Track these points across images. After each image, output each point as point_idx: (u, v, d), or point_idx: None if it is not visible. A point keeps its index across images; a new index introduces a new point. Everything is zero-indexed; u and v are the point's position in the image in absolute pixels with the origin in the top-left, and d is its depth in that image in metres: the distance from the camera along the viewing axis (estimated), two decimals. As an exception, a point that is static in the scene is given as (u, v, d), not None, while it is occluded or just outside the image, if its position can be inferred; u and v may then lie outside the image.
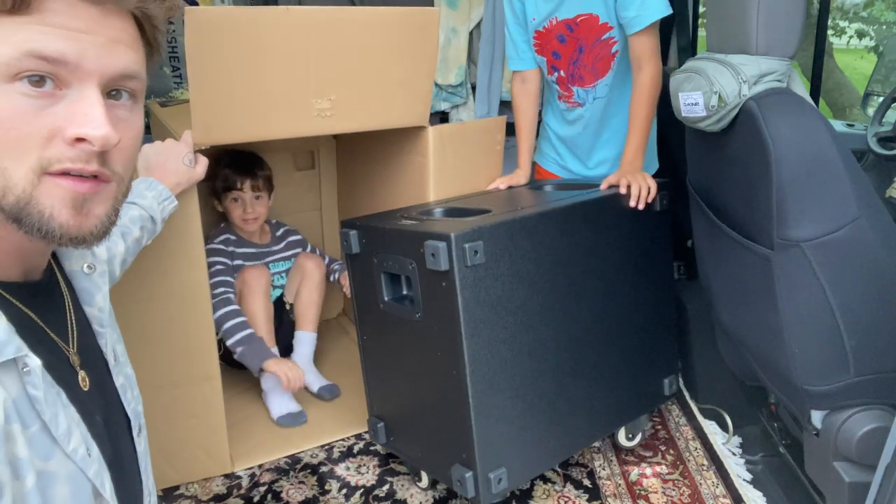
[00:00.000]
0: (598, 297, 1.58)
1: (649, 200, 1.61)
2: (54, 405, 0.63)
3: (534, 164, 2.08)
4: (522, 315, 1.43)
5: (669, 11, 1.68)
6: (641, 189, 1.61)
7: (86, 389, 0.70)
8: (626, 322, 1.67)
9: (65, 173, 0.58)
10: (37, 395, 0.61)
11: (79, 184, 0.59)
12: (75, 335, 0.72)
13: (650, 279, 1.72)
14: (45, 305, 0.68)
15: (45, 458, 0.61)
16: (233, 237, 2.08)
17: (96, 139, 0.58)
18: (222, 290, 1.91)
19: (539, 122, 2.06)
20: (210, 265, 1.93)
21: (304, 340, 2.11)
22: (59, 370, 0.66)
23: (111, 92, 0.61)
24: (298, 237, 2.26)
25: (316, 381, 2.06)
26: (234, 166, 2.02)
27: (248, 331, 1.86)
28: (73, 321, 0.73)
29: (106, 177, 0.62)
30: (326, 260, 2.27)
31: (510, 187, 1.90)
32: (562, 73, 1.84)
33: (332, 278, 2.24)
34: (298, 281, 2.14)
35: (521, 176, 1.93)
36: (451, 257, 1.30)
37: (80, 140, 0.58)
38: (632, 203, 1.60)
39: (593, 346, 1.60)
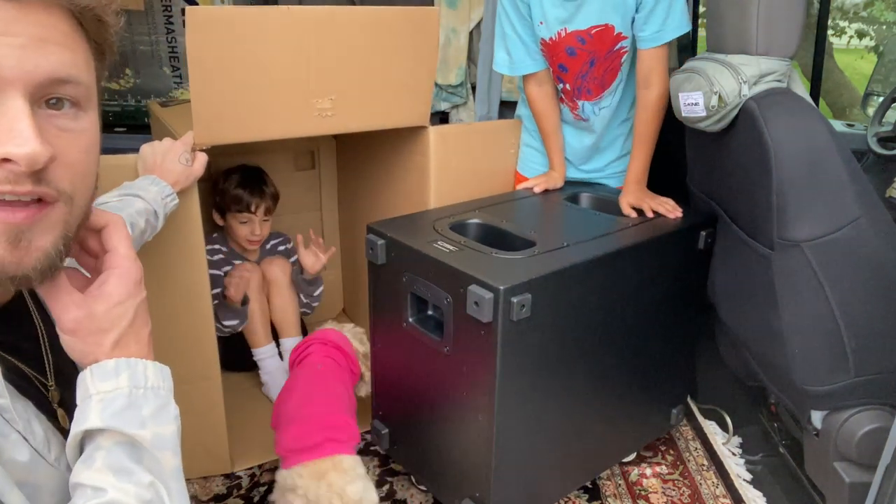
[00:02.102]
0: (629, 335, 1.53)
1: (679, 214, 1.60)
2: (25, 413, 0.59)
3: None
4: (557, 363, 1.38)
5: (690, 28, 1.61)
6: (666, 206, 1.61)
7: (68, 428, 0.63)
8: (651, 357, 1.63)
9: None
10: (3, 404, 0.57)
11: (12, 213, 0.51)
12: (51, 365, 0.66)
13: (680, 315, 1.67)
14: (7, 333, 0.63)
15: (29, 471, 0.58)
16: (224, 249, 2.07)
17: (21, 158, 0.49)
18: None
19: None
20: (210, 253, 1.96)
21: (291, 348, 2.02)
22: (24, 388, 0.61)
23: (50, 101, 0.53)
24: (288, 246, 2.22)
25: None
26: (245, 186, 1.98)
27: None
28: (49, 350, 0.66)
29: (50, 197, 0.54)
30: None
31: (546, 191, 1.81)
32: (567, 86, 1.75)
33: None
34: (266, 289, 2.07)
35: (556, 178, 1.83)
36: (497, 311, 1.19)
37: (5, 160, 0.50)
38: (669, 216, 1.59)
39: (616, 381, 1.57)
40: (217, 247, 2.06)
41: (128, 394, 0.60)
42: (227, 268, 2.04)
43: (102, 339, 0.61)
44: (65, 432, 0.64)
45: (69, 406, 0.64)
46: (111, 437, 0.58)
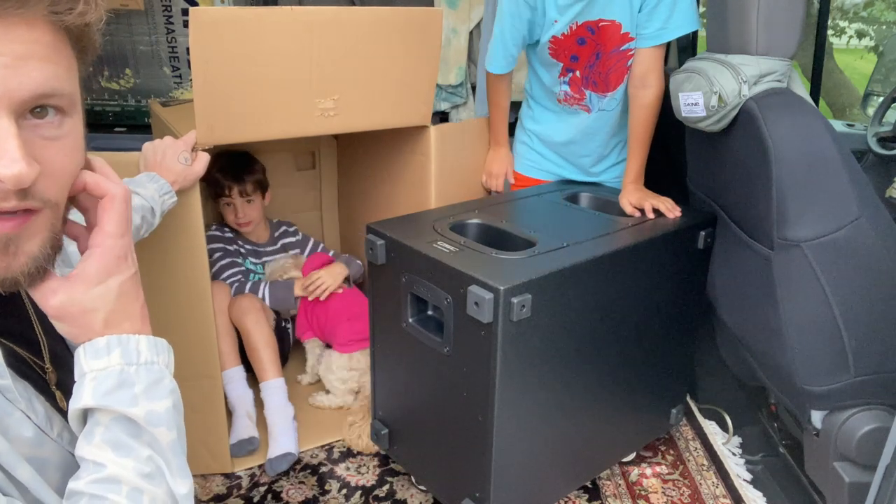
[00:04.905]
0: (629, 335, 1.53)
1: (678, 214, 1.60)
2: (26, 392, 0.61)
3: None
4: (557, 363, 1.37)
5: (697, 27, 1.59)
6: (666, 204, 1.62)
7: (65, 409, 0.65)
8: (650, 357, 1.63)
9: None
10: (5, 385, 0.58)
11: (1, 224, 0.52)
12: (46, 348, 0.67)
13: (680, 314, 1.66)
14: (2, 317, 0.64)
15: (35, 446, 0.60)
16: (230, 233, 2.11)
17: (8, 178, 0.50)
18: (228, 273, 1.99)
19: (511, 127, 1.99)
20: (211, 252, 1.99)
21: (274, 390, 1.87)
22: (23, 370, 0.63)
23: (35, 109, 0.53)
24: (295, 238, 2.26)
25: (285, 444, 1.77)
26: (223, 171, 2.01)
27: (265, 285, 2.00)
28: (42, 332, 0.68)
29: (35, 208, 0.54)
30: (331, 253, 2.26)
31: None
32: (577, 73, 1.74)
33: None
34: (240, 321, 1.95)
35: (505, 153, 1.90)
36: (497, 311, 1.19)
37: None
38: (668, 215, 1.60)
39: (616, 382, 1.57)
40: (225, 228, 2.10)
41: (119, 371, 0.60)
42: (235, 247, 2.11)
43: (90, 320, 0.61)
44: (63, 413, 0.65)
45: (66, 387, 0.65)
46: (107, 413, 0.60)
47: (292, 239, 2.24)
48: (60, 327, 0.62)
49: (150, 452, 0.60)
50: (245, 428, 1.80)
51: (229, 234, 2.10)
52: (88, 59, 0.60)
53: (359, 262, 2.13)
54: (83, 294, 0.60)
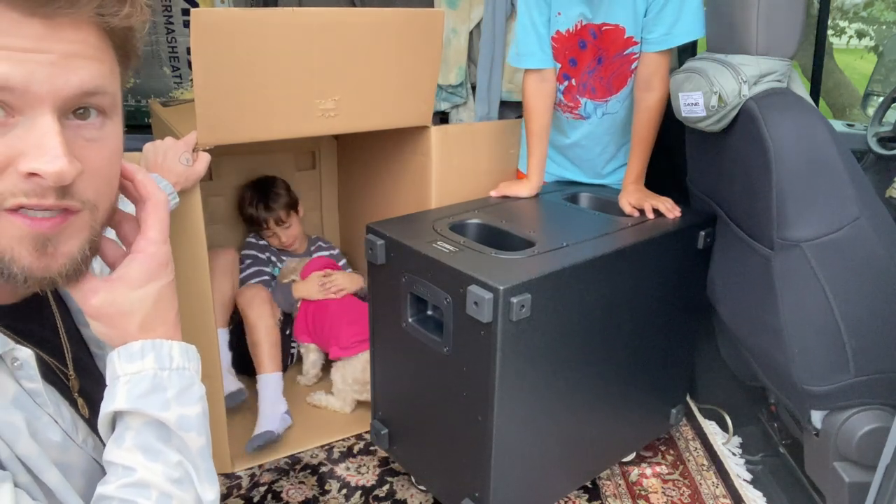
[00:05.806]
0: (628, 335, 1.53)
1: (678, 214, 1.60)
2: (54, 396, 0.62)
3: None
4: (556, 363, 1.37)
5: (703, 34, 1.56)
6: (666, 204, 1.61)
7: (86, 416, 0.67)
8: (650, 357, 1.63)
9: (21, 208, 0.52)
10: (35, 388, 0.59)
11: (39, 223, 0.53)
12: (70, 355, 0.68)
13: (680, 314, 1.67)
14: (30, 324, 0.65)
15: (62, 451, 0.61)
16: (264, 240, 2.22)
17: (49, 175, 0.51)
18: (251, 283, 2.09)
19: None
20: (242, 259, 2.14)
21: (269, 384, 1.90)
22: (48, 376, 0.64)
23: (77, 110, 0.54)
24: (329, 253, 2.31)
25: (265, 424, 1.82)
26: (254, 205, 2.13)
27: (270, 287, 2.09)
28: (67, 341, 0.69)
29: (75, 208, 0.55)
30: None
31: (506, 197, 1.77)
32: (573, 81, 1.72)
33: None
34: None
35: (531, 187, 1.76)
36: (497, 311, 1.19)
37: (33, 174, 0.51)
38: (668, 216, 1.59)
39: (616, 382, 1.57)
40: (262, 243, 2.22)
41: (153, 376, 0.61)
42: (268, 254, 2.21)
43: (127, 323, 0.62)
44: (85, 420, 0.66)
45: (88, 394, 0.66)
46: (139, 417, 0.60)
47: (325, 253, 2.29)
48: (96, 327, 0.62)
49: (180, 458, 0.61)
50: (228, 382, 1.86)
51: (263, 242, 2.21)
52: (130, 66, 0.61)
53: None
54: (123, 296, 0.61)
